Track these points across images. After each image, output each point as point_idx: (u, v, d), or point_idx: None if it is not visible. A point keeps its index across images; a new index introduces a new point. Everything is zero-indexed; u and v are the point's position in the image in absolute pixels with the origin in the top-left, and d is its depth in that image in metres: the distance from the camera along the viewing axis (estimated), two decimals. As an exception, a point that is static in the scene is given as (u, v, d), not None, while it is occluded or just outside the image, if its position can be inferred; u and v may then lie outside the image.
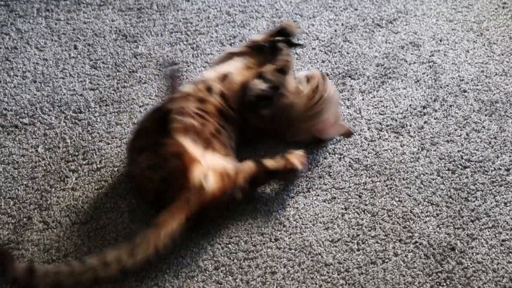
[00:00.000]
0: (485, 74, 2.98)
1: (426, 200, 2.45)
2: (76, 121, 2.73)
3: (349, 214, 2.41)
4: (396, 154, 2.62)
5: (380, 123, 2.74)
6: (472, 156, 2.61)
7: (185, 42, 3.13)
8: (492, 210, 2.42)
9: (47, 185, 2.49)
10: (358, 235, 2.34)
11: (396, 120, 2.75)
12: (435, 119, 2.76)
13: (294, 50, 2.98)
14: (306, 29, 3.22)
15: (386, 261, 2.27)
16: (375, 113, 2.78)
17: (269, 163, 2.40)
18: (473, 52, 3.11)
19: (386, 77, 2.96)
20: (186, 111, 2.33)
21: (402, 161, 2.59)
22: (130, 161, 2.40)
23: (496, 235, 2.35)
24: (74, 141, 2.65)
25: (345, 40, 3.16)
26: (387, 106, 2.81)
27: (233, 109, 2.47)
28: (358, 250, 2.30)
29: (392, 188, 2.49)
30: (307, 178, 2.52)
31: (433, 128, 2.72)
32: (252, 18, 3.29)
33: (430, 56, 3.07)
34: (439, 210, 2.42)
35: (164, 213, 2.18)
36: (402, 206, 2.43)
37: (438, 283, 2.20)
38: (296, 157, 2.44)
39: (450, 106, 2.82)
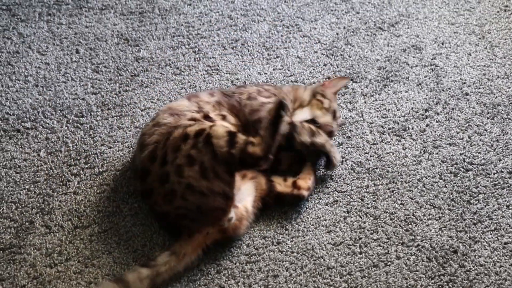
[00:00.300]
0: (487, 77, 2.98)
1: (429, 203, 2.45)
2: (78, 125, 2.73)
3: (352, 217, 2.41)
4: (398, 157, 2.62)
5: (382, 126, 2.73)
6: (474, 159, 2.61)
7: (187, 46, 3.13)
8: (495, 213, 2.42)
9: (49, 189, 2.49)
10: (360, 238, 2.34)
11: (398, 123, 2.75)
12: (437, 122, 2.76)
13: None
14: (308, 32, 3.22)
15: (388, 264, 2.26)
16: (377, 116, 2.78)
17: (279, 186, 2.43)
18: (475, 55, 3.11)
19: (388, 80, 2.95)
20: None
21: (404, 164, 2.59)
22: (167, 154, 2.21)
23: (499, 237, 2.34)
24: (76, 145, 2.65)
25: (347, 43, 3.16)
26: (389, 109, 2.81)
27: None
28: (360, 253, 2.30)
29: (394, 191, 2.49)
30: (309, 182, 2.52)
31: (435, 131, 2.72)
32: (254, 21, 3.29)
33: (432, 59, 3.07)
34: (442, 213, 2.42)
35: (185, 244, 2.20)
36: (405, 209, 2.43)
37: (440, 286, 2.20)
38: (305, 182, 2.46)
39: (452, 109, 2.82)
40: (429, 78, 2.97)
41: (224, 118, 2.42)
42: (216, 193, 2.16)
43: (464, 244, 2.32)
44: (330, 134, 2.54)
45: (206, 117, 2.39)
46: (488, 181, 2.53)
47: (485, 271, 2.24)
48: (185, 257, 2.19)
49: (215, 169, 2.15)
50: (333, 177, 2.54)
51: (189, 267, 2.22)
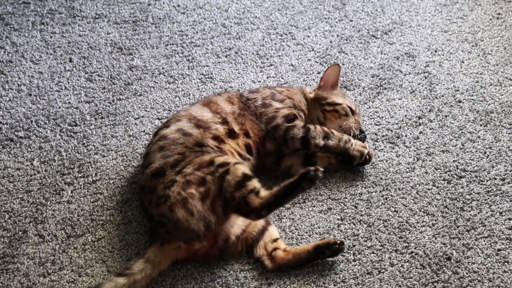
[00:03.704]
0: (480, 85, 2.99)
1: (422, 210, 2.45)
2: (72, 134, 2.73)
3: (345, 224, 2.41)
4: (392, 164, 2.62)
5: (376, 134, 2.74)
6: (468, 166, 2.61)
7: (180, 54, 3.14)
8: (488, 219, 2.42)
9: (42, 198, 2.49)
10: (354, 246, 2.34)
11: (391, 131, 2.75)
12: (430, 129, 2.76)
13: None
14: (302, 40, 3.23)
15: (382, 271, 2.26)
16: (371, 124, 2.79)
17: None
18: (468, 63, 3.12)
19: (381, 88, 2.96)
20: None
21: (398, 171, 2.59)
22: (186, 167, 2.24)
23: (492, 244, 2.34)
24: (69, 154, 2.65)
25: (340, 51, 3.17)
26: (382, 117, 2.82)
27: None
28: (354, 260, 2.30)
29: (388, 199, 2.49)
30: (303, 189, 2.52)
31: (428, 139, 2.72)
32: (247, 30, 3.30)
33: (425, 67, 3.08)
34: (435, 220, 2.42)
35: (158, 252, 2.21)
36: (398, 216, 2.43)
37: (434, 293, 2.21)
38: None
39: (445, 116, 2.82)
40: (422, 86, 2.97)
41: (247, 134, 2.47)
42: (203, 219, 2.16)
43: (457, 251, 2.32)
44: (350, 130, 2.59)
45: (232, 131, 2.43)
46: (481, 188, 2.53)
47: (479, 278, 2.24)
48: (159, 265, 2.21)
49: (214, 201, 2.17)
50: (327, 184, 2.54)
51: (162, 273, 2.25)
